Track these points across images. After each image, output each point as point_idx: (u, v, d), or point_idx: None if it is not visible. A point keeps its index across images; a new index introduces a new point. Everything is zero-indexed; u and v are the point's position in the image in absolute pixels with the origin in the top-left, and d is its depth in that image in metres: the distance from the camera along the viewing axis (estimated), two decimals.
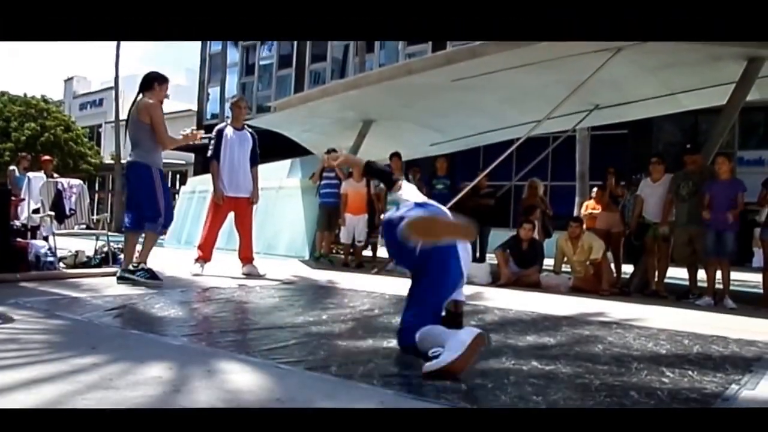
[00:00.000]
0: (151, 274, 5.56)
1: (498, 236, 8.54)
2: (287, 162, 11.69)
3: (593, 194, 8.90)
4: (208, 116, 30.94)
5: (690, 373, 2.97)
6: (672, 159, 8.99)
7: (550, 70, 7.57)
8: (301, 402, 2.22)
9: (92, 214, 7.82)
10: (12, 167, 10.17)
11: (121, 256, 6.38)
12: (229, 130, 6.89)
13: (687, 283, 7.22)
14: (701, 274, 6.97)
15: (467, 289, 3.83)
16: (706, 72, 7.80)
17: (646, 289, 7.28)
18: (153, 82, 5.69)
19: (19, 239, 5.99)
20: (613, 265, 7.97)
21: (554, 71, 7.60)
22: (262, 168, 7.21)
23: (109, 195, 35.42)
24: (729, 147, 16.88)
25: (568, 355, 3.29)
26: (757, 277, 7.19)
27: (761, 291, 6.70)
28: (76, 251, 6.61)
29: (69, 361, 2.64)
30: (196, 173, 25.12)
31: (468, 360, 2.62)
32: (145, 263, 5.64)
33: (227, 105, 15.08)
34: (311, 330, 3.69)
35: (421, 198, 3.31)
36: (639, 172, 9.20)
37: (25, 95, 31.84)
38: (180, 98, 38.53)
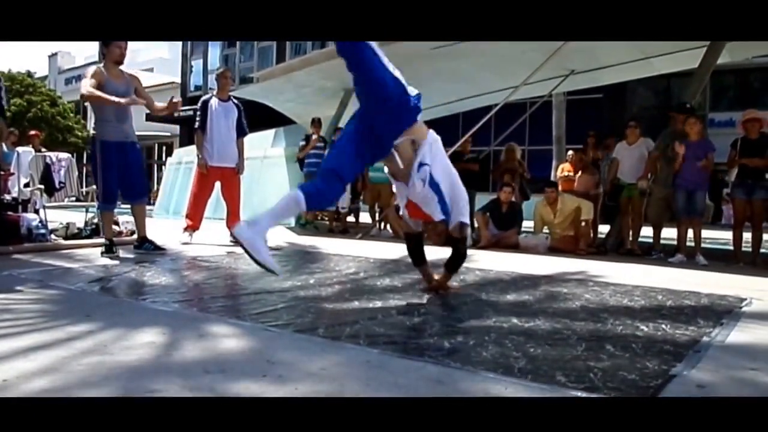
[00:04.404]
0: (154, 246, 5.82)
1: (480, 200, 8.64)
2: (271, 131, 11.72)
3: (569, 157, 8.99)
4: (192, 88, 30.69)
5: (663, 326, 3.05)
6: (646, 122, 9.11)
7: None
8: (290, 362, 2.26)
9: (81, 187, 7.84)
10: None
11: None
12: (214, 102, 6.89)
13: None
14: (671, 233, 7.10)
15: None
16: None
17: (621, 248, 7.41)
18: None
19: (10, 213, 6.02)
20: None
21: None
22: (246, 138, 7.24)
23: None
24: (701, 109, 17.15)
25: (546, 312, 3.36)
26: (728, 235, 7.33)
27: (731, 248, 6.81)
28: (67, 223, 6.63)
29: (64, 329, 2.68)
30: (182, 145, 25.09)
31: None
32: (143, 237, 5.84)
33: (211, 77, 14.92)
34: (299, 294, 3.75)
35: None
36: (614, 137, 9.32)
37: (10, 71, 31.27)
38: (163, 71, 38.26)
